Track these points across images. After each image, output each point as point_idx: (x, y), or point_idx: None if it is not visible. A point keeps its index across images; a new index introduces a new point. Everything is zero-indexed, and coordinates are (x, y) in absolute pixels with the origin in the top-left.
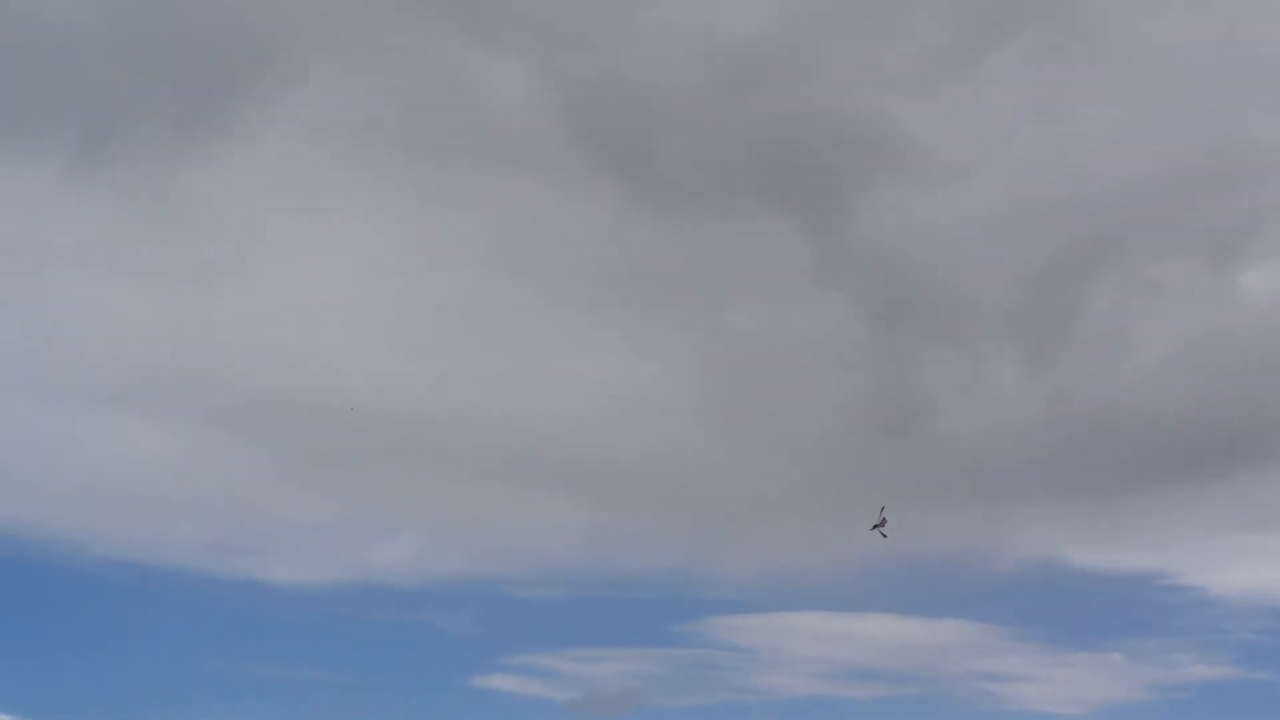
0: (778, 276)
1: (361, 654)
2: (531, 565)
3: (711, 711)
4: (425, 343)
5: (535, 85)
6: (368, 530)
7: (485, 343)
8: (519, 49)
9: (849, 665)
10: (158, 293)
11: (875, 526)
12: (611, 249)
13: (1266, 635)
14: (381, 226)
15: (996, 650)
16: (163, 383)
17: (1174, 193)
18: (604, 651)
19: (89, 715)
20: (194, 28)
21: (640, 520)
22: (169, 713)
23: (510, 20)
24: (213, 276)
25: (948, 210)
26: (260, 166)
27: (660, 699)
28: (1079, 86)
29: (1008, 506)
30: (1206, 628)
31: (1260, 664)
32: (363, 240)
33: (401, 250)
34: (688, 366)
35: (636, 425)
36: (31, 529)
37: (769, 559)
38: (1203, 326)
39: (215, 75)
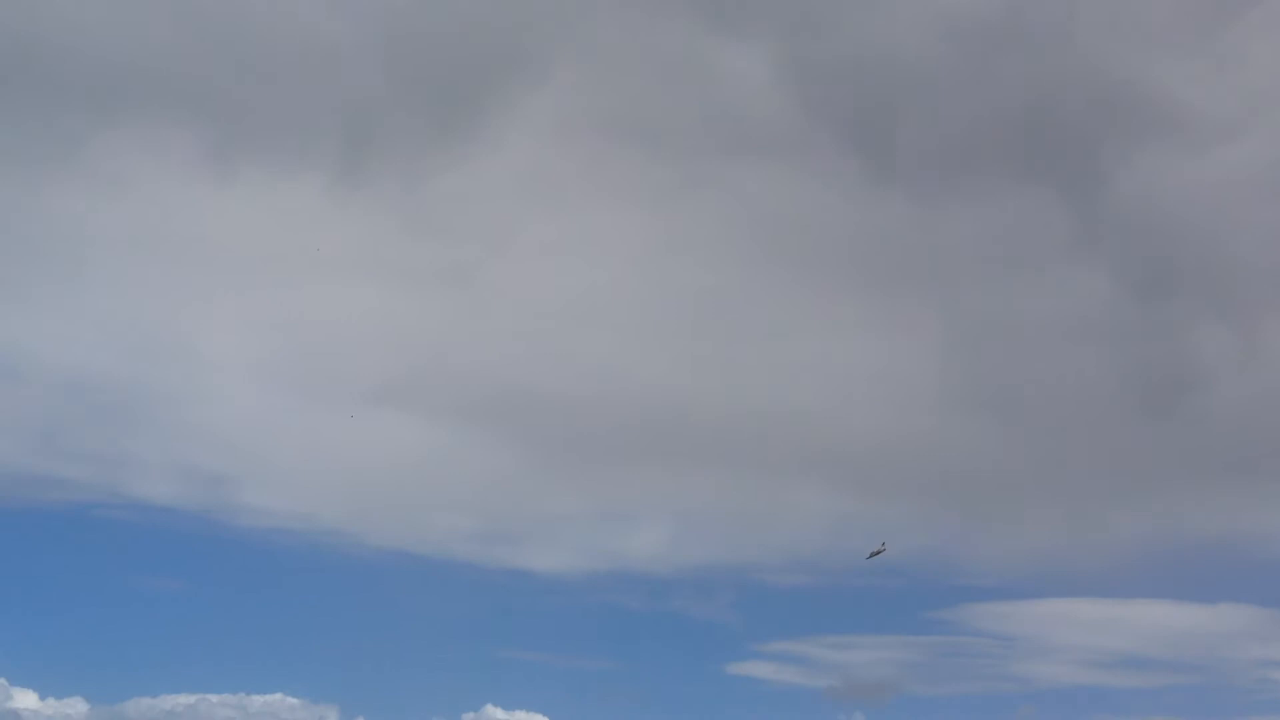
0: (1030, 250)
1: (617, 640)
2: (781, 552)
3: (970, 700)
4: (674, 334)
5: (776, 71)
6: (620, 519)
7: (733, 332)
8: (758, 36)
9: (1118, 653)
10: (416, 295)
11: (873, 554)
12: (857, 232)
13: None
14: (628, 221)
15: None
16: (424, 381)
17: None
18: (858, 639)
19: (365, 696)
20: (439, 37)
21: (890, 505)
22: (437, 693)
23: (748, 7)
24: (467, 277)
25: (1215, 170)
26: (508, 169)
27: (917, 687)
28: None
29: None
30: None
31: None
32: (610, 235)
33: (648, 243)
34: (938, 347)
35: (885, 409)
36: (309, 522)
37: (1027, 544)
38: None
39: (462, 82)
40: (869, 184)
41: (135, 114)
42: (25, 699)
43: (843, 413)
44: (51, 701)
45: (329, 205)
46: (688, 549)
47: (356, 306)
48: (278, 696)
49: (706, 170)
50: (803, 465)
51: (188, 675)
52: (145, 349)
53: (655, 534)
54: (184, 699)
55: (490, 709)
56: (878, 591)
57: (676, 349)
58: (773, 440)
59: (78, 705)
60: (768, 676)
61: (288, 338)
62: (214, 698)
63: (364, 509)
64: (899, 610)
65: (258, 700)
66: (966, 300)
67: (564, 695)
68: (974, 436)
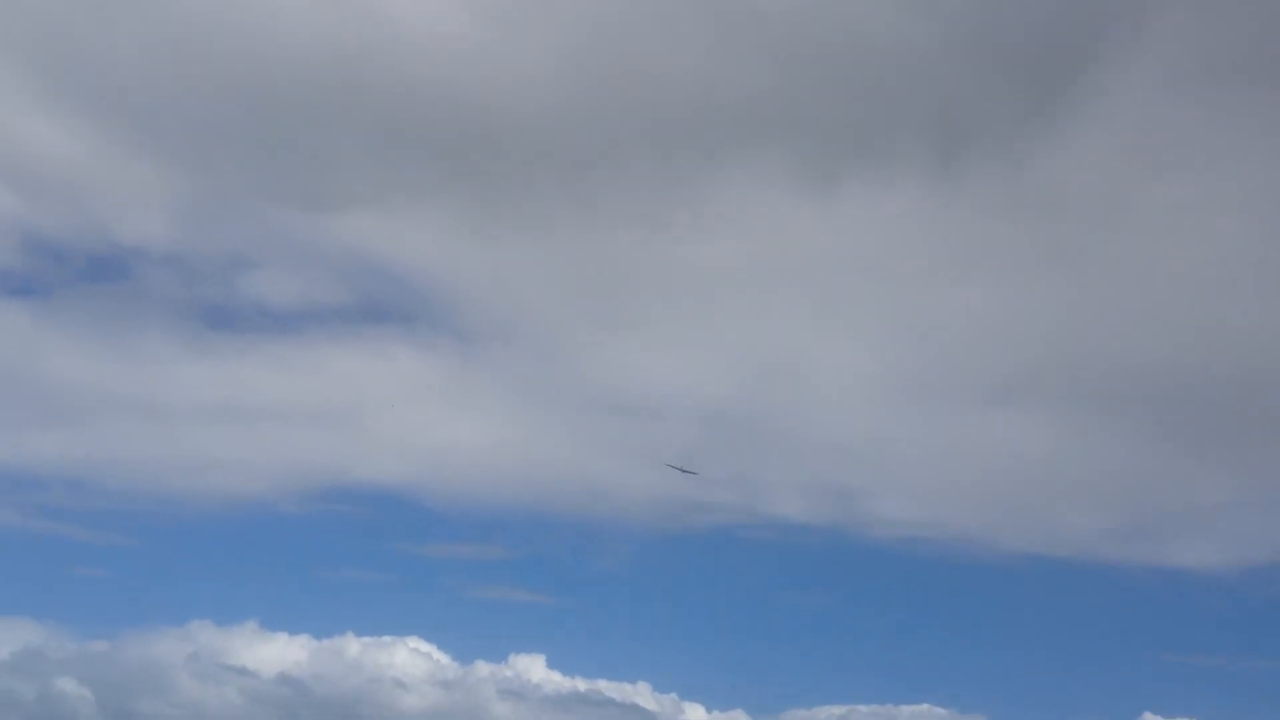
0: None
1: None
2: None
3: None
4: None
5: None
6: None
7: None
8: None
9: None
10: (1026, 284)
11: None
12: None
13: None
14: (1257, 170)
15: None
16: (1042, 374)
17: None
18: None
19: (1012, 706)
20: (1021, 14)
21: None
22: (1088, 701)
23: None
24: (1076, 259)
25: None
26: (1111, 135)
27: None
28: None
29: None
30: None
31: None
32: (1239, 189)
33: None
34: None
35: None
36: (940, 529)
37: None
38: None
39: (1051, 54)
40: None
41: (738, 148)
42: (695, 713)
43: None
44: (717, 714)
45: (928, 205)
46: None
47: (967, 304)
48: (925, 707)
49: None
50: None
51: (837, 686)
52: (769, 373)
53: None
54: (836, 709)
55: (1149, 716)
56: None
57: None
58: None
59: (739, 718)
60: None
61: (901, 345)
62: (864, 708)
63: (994, 512)
64: None
65: (906, 710)
66: None
67: (1229, 701)
68: None
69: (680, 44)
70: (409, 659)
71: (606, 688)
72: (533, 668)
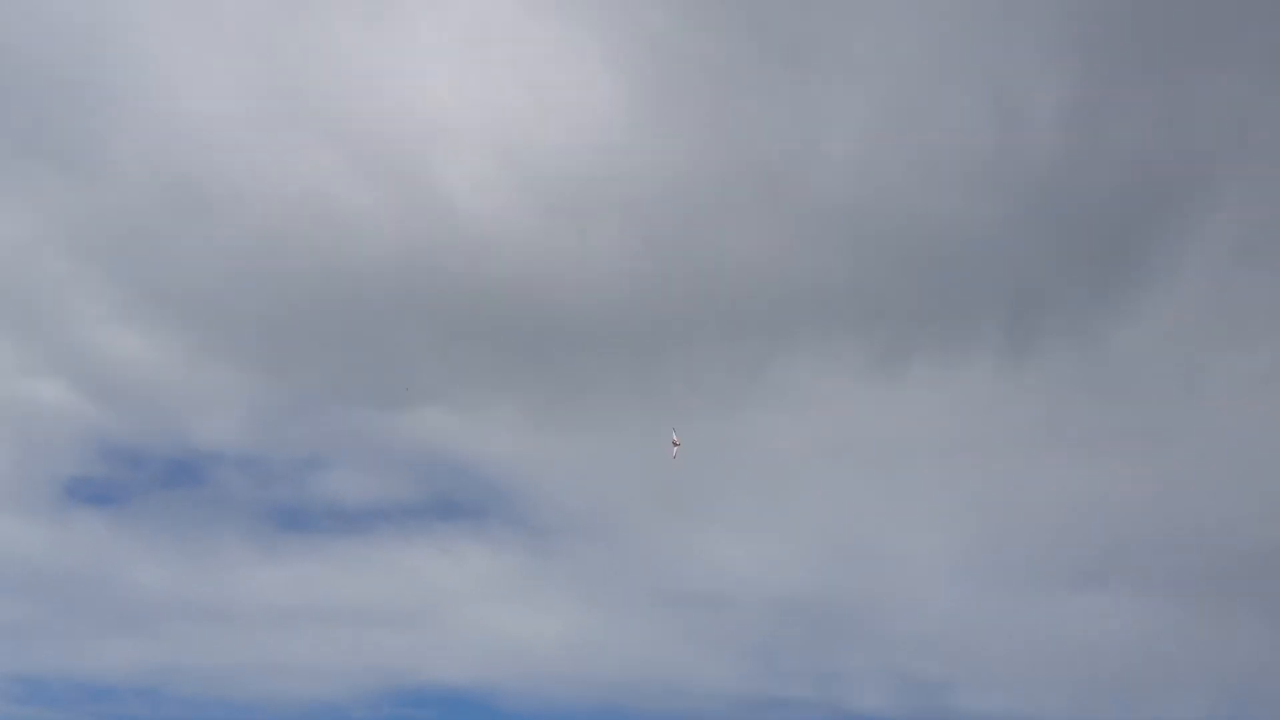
0: None
1: None
2: None
3: None
4: None
5: None
6: None
7: None
8: None
9: None
10: (1101, 464)
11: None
12: None
13: None
14: None
15: None
16: (1128, 555)
17: None
18: None
19: None
20: (1088, 189)
21: None
22: None
23: None
24: (1155, 436)
25: None
26: (1185, 309)
27: None
28: None
29: None
30: None
31: None
32: None
33: None
34: None
35: None
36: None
37: None
38: None
39: (1119, 228)
40: None
41: (808, 332)
42: None
43: None
44: None
45: (1001, 385)
46: None
47: (1045, 485)
48: None
49: None
50: None
51: None
52: (847, 559)
53: None
54: None
55: None
56: None
57: None
58: None
59: None
60: None
61: (982, 527)
62: None
63: (1087, 700)
64: None
65: None
66: None
67: None
68: None
69: (748, 232)
70: None
71: None
72: None
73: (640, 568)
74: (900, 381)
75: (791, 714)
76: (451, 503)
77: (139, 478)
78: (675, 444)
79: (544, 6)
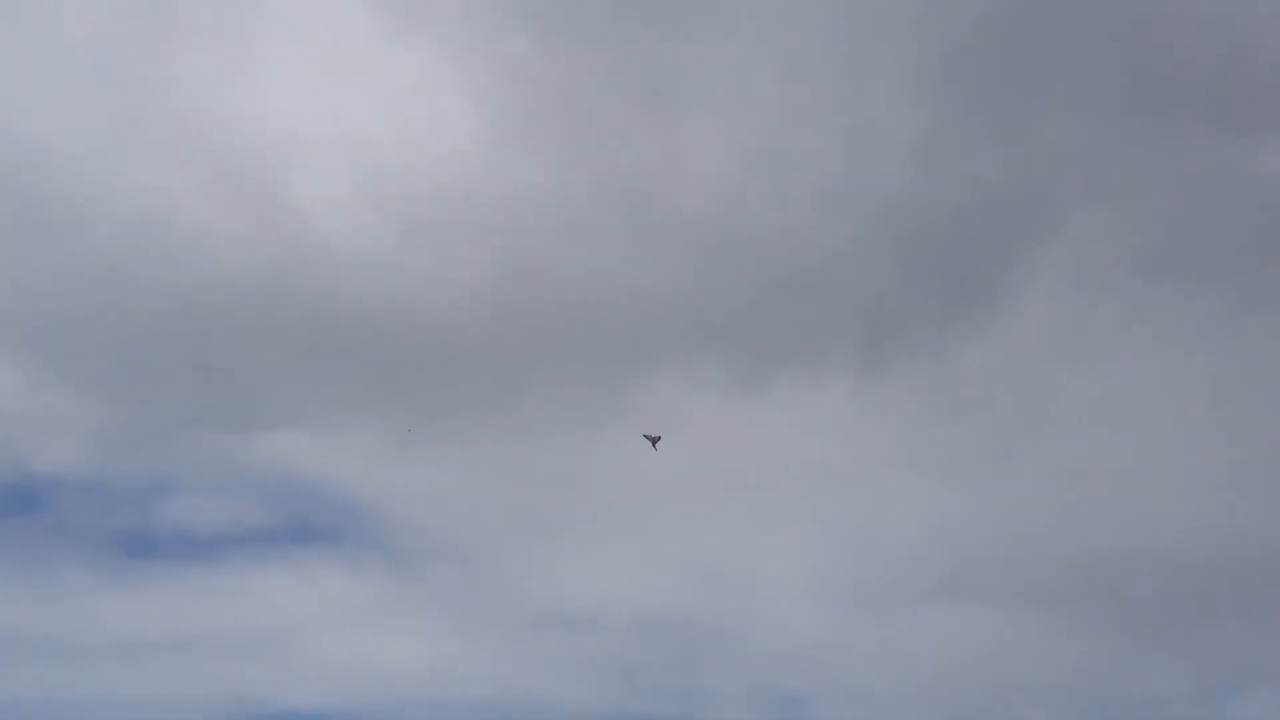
0: None
1: None
2: None
3: None
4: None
5: None
6: (1229, 692)
7: None
8: None
9: None
10: (954, 482)
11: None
12: None
13: None
14: (1168, 368)
15: None
16: (981, 571)
17: None
18: None
19: None
20: (940, 213)
21: None
22: None
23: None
24: (1005, 453)
25: None
26: (1032, 330)
27: None
28: None
29: None
30: None
31: None
32: (1152, 386)
33: (1208, 386)
34: None
35: None
36: None
37: None
38: None
39: (970, 252)
40: None
41: (670, 353)
42: None
43: None
44: None
45: (857, 403)
46: None
47: (900, 503)
48: None
49: (1257, 288)
50: None
51: None
52: (708, 578)
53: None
54: None
55: None
56: None
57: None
58: None
59: None
60: None
61: (840, 545)
62: None
63: (944, 711)
64: None
65: None
66: None
67: None
68: None
69: (607, 255)
70: None
71: None
72: None
73: (501, 590)
74: (760, 402)
75: None
76: (307, 527)
77: None
78: (654, 438)
79: (403, 29)
